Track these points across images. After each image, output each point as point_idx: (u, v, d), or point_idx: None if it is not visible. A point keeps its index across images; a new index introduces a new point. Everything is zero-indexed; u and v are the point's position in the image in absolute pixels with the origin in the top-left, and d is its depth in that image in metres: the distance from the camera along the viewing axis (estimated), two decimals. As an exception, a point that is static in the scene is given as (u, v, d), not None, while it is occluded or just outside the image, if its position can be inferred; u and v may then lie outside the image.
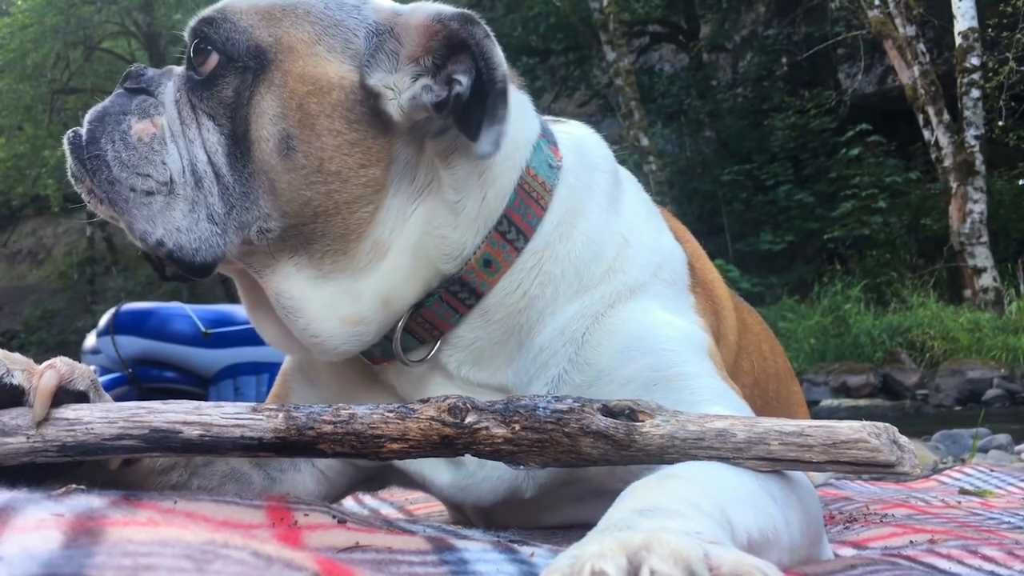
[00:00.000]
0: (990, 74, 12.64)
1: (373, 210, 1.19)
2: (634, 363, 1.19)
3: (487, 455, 0.97)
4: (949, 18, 12.55)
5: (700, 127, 18.82)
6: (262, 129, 1.16)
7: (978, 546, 1.17)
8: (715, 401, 1.15)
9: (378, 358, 1.28)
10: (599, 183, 1.33)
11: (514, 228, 1.22)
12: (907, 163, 14.72)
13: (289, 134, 1.15)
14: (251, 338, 5.29)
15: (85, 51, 21.30)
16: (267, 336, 1.33)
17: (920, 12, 13.03)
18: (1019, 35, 12.50)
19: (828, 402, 10.04)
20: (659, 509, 0.75)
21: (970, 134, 12.23)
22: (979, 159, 12.18)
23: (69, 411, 0.94)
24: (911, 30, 12.64)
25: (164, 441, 0.94)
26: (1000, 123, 12.71)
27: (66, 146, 1.24)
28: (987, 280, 12.14)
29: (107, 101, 1.25)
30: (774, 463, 0.94)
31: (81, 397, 0.98)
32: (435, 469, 1.28)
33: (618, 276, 1.26)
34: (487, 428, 0.96)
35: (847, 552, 1.23)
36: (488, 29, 1.16)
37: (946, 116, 12.41)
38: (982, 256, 12.18)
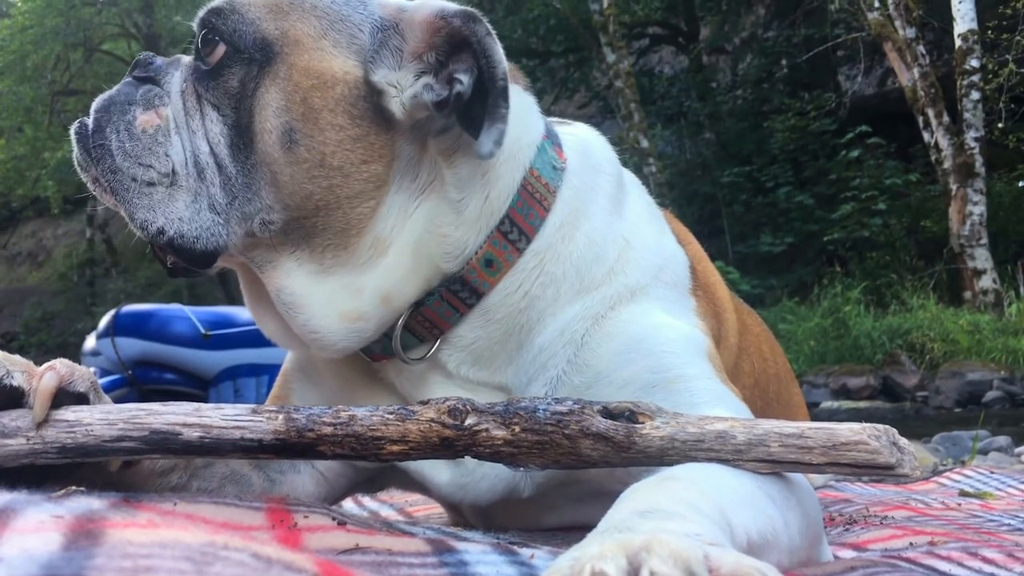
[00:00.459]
0: (990, 76, 12.65)
1: (375, 206, 1.19)
2: (634, 365, 1.19)
3: (487, 457, 0.97)
4: (949, 20, 12.56)
5: (700, 129, 18.83)
6: (265, 121, 1.16)
7: (978, 548, 1.17)
8: (715, 403, 1.15)
9: (378, 355, 1.28)
10: (602, 185, 1.33)
11: (516, 228, 1.23)
12: (907, 165, 14.73)
13: (292, 127, 1.16)
14: (251, 340, 5.29)
15: (85, 53, 21.32)
16: (267, 331, 1.33)
17: (920, 14, 13.05)
18: (1019, 37, 12.51)
19: (828, 404, 10.04)
20: (659, 511, 0.75)
21: (970, 136, 12.23)
22: (979, 161, 12.18)
23: (69, 413, 0.94)
24: (911, 32, 12.65)
25: (164, 443, 0.94)
26: (1000, 125, 12.71)
27: (73, 136, 1.25)
28: (987, 282, 12.14)
29: (114, 90, 1.26)
30: (774, 465, 0.94)
31: (81, 399, 0.98)
32: (434, 467, 1.28)
33: (619, 278, 1.26)
34: (487, 430, 0.96)
35: (847, 554, 1.23)
36: (490, 27, 1.16)
37: (946, 118, 12.42)
38: (982, 258, 12.18)
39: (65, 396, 0.96)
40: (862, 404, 9.96)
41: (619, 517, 0.74)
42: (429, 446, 0.96)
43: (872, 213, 13.89)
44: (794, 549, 0.93)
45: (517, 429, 0.95)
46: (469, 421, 0.96)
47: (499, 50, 1.15)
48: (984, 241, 12.18)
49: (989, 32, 12.70)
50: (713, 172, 17.28)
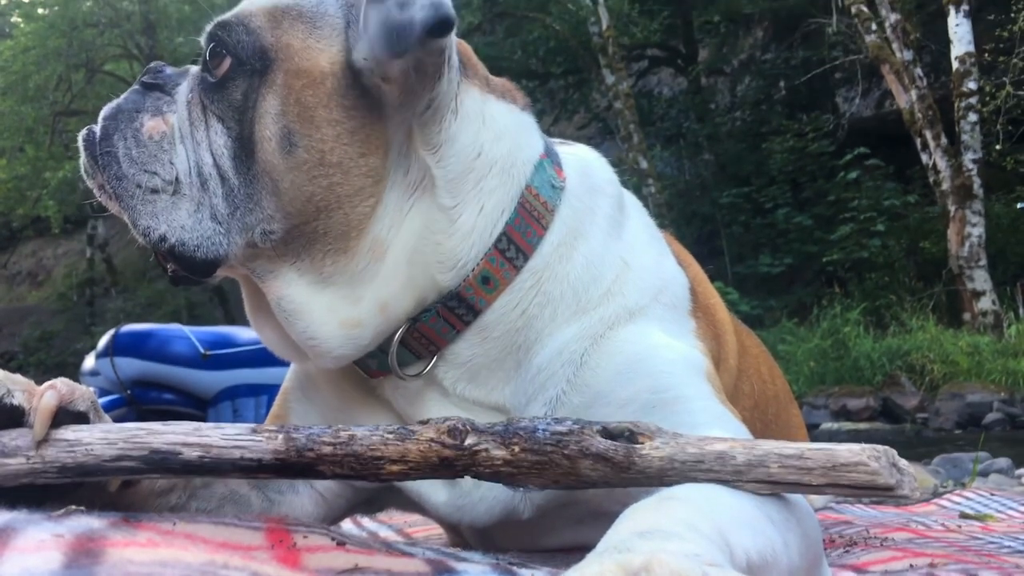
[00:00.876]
0: (987, 98, 12.71)
1: (373, 204, 1.20)
2: (633, 385, 1.19)
3: (487, 477, 0.97)
4: (946, 43, 12.64)
5: (699, 150, 18.89)
6: (265, 129, 1.18)
7: (978, 570, 1.16)
8: (714, 424, 1.15)
9: (375, 371, 1.29)
10: (602, 206, 1.34)
11: (514, 246, 1.23)
12: (905, 186, 14.77)
13: (290, 130, 1.17)
14: (250, 360, 5.29)
15: (87, 73, 21.42)
16: (266, 339, 1.34)
17: (917, 37, 13.14)
18: (1016, 60, 12.58)
19: (828, 425, 10.01)
20: (658, 531, 0.75)
21: (968, 158, 12.28)
22: (977, 183, 12.22)
23: (69, 432, 0.94)
24: (908, 55, 12.73)
25: (164, 462, 0.94)
26: (998, 147, 12.76)
27: (80, 142, 1.26)
28: (986, 303, 12.15)
29: (122, 98, 1.28)
30: (773, 486, 0.94)
31: (81, 418, 0.98)
32: (432, 488, 1.28)
33: (617, 299, 1.27)
34: (486, 450, 0.96)
35: (847, 576, 1.22)
36: None
37: (944, 140, 12.47)
38: (981, 279, 12.19)
39: (65, 415, 0.96)
40: (862, 426, 9.93)
41: (618, 538, 0.74)
42: (429, 466, 0.96)
43: (871, 234, 13.91)
44: (794, 570, 0.93)
45: (517, 449, 0.95)
46: (469, 441, 0.96)
47: None
48: (983, 262, 12.19)
49: (986, 55, 12.78)
50: (712, 193, 17.32)
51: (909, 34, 12.77)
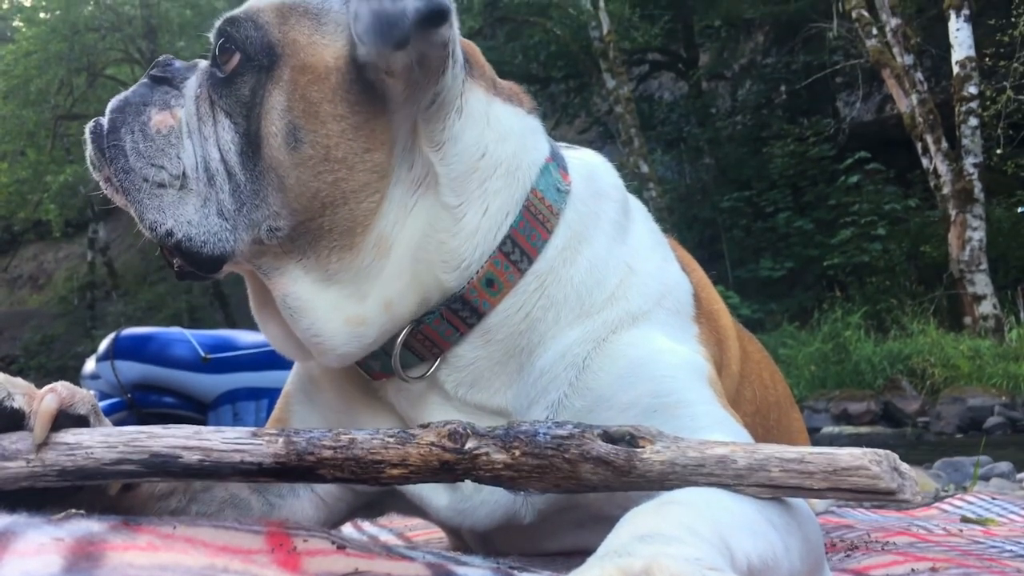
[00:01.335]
0: (988, 103, 12.72)
1: (378, 200, 1.20)
2: (635, 389, 1.19)
3: (487, 481, 0.97)
4: (946, 47, 12.65)
5: (700, 154, 18.91)
6: (271, 125, 1.18)
7: (980, 574, 1.16)
8: (715, 428, 1.15)
9: (377, 373, 1.28)
10: (607, 210, 1.34)
11: (518, 249, 1.23)
12: (906, 191, 14.77)
13: (296, 125, 1.17)
14: (251, 363, 5.29)
15: (89, 78, 21.46)
16: (270, 336, 1.34)
17: (918, 41, 13.15)
18: (1016, 64, 12.59)
19: (829, 429, 10.01)
20: (659, 535, 0.75)
21: (968, 162, 12.28)
22: (977, 187, 12.22)
23: (69, 435, 0.94)
24: (909, 59, 12.75)
25: (164, 466, 0.94)
26: (998, 151, 12.76)
27: (87, 135, 1.26)
28: (987, 307, 12.14)
29: (129, 91, 1.28)
30: (775, 490, 0.94)
31: (81, 421, 0.98)
32: (433, 492, 1.28)
33: (620, 303, 1.26)
34: (487, 454, 0.96)
35: (848, 580, 1.22)
36: None
37: (944, 144, 12.48)
38: (982, 283, 12.19)
39: (66, 418, 0.96)
40: (863, 429, 9.92)
41: (619, 542, 0.74)
42: (429, 470, 0.96)
43: (872, 238, 13.91)
44: (795, 574, 0.93)
45: (517, 453, 0.95)
46: (469, 445, 0.96)
47: None
48: (984, 267, 12.19)
49: (987, 59, 12.79)
50: (713, 197, 17.33)
51: (910, 38, 12.79)
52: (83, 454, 0.93)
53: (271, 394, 5.16)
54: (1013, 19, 12.67)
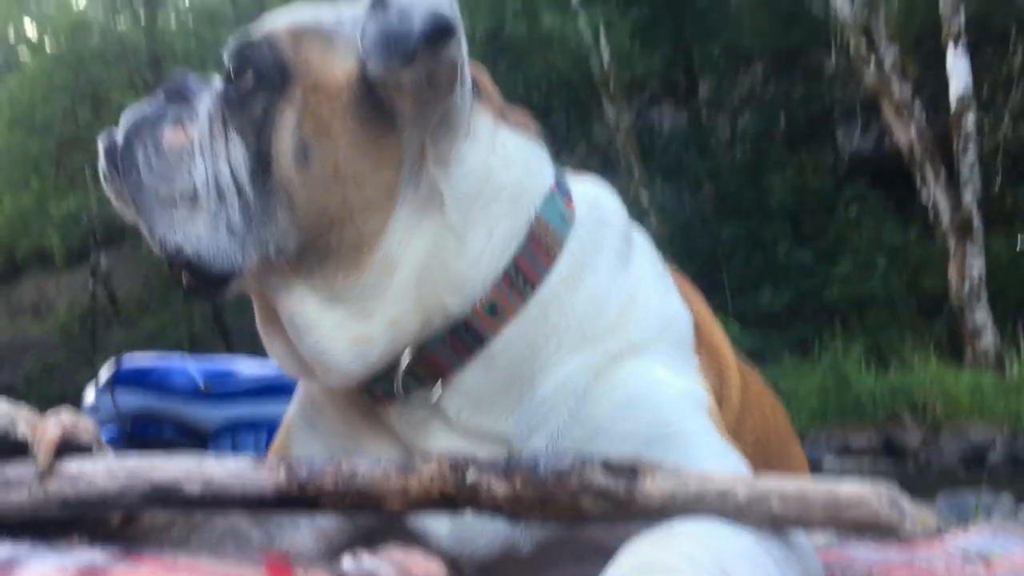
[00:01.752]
0: (986, 134, 12.78)
1: (385, 218, 1.21)
2: (634, 419, 1.20)
3: (488, 512, 0.97)
4: (945, 80, 12.73)
5: (699, 184, 18.96)
6: (281, 143, 1.20)
7: (981, 609, 1.16)
8: (715, 460, 1.15)
9: (380, 397, 1.29)
10: (610, 240, 1.35)
11: (522, 276, 1.24)
12: (905, 222, 14.80)
13: (305, 143, 1.19)
14: (251, 394, 5.28)
15: (93, 107, 21.58)
16: (274, 353, 1.35)
17: (916, 73, 13.24)
18: (1014, 96, 12.66)
19: (830, 463, 9.95)
20: (659, 565, 0.75)
21: (967, 194, 12.32)
22: (977, 219, 12.25)
23: (72, 464, 0.94)
24: (907, 91, 12.83)
25: (166, 496, 0.94)
26: (997, 182, 12.80)
27: (101, 148, 1.28)
28: (987, 340, 12.12)
29: (144, 107, 1.30)
30: (775, 523, 0.94)
31: (84, 450, 0.98)
32: (435, 519, 1.28)
33: (621, 333, 1.27)
34: (488, 485, 0.96)
35: (850, 614, 1.21)
36: None
37: (943, 176, 12.52)
38: (982, 316, 12.18)
39: (69, 447, 0.96)
40: (865, 463, 9.86)
41: (619, 572, 0.75)
42: (430, 501, 0.97)
43: (871, 270, 13.92)
44: (795, 608, 0.93)
45: (518, 485, 0.95)
46: (470, 476, 0.96)
47: None
48: (984, 299, 12.19)
49: (985, 91, 12.86)
50: (712, 227, 17.35)
51: (908, 70, 12.88)
52: (85, 483, 0.93)
53: (271, 425, 5.14)
54: (1010, 52, 12.76)
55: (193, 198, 1.22)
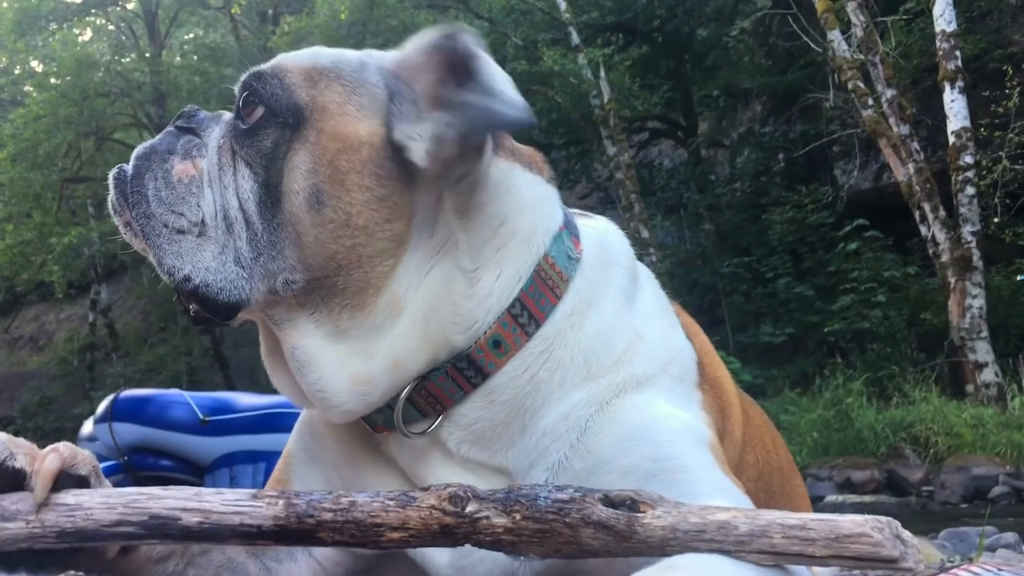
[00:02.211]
0: (984, 172, 12.85)
1: (393, 264, 1.22)
2: (635, 452, 1.19)
3: (487, 545, 0.97)
4: (942, 118, 12.82)
5: (699, 220, 19.04)
6: (293, 183, 1.20)
7: (986, 646, 1.14)
8: (716, 494, 1.15)
9: (380, 427, 1.29)
10: (616, 278, 1.36)
11: (527, 312, 1.24)
12: (905, 258, 14.84)
13: (320, 189, 1.19)
14: (249, 426, 5.25)
15: (97, 142, 21.73)
16: (277, 383, 1.35)
17: (913, 112, 13.34)
18: (1011, 135, 12.75)
19: (832, 498, 9.87)
20: (660, 599, 0.74)
21: (966, 230, 12.35)
22: (976, 255, 12.27)
23: (69, 496, 0.94)
24: (905, 129, 12.91)
25: (163, 528, 0.94)
26: (996, 220, 12.85)
27: (111, 180, 1.29)
28: (989, 375, 12.09)
29: (156, 139, 1.32)
30: (776, 557, 0.94)
31: (82, 482, 0.98)
32: (435, 549, 1.27)
33: (626, 368, 1.27)
34: (488, 517, 0.95)
35: (853, 651, 1.20)
36: (472, 32, 1.19)
37: (942, 212, 12.56)
38: (983, 351, 12.15)
39: (67, 479, 0.96)
40: (867, 498, 9.79)
41: (621, 607, 0.74)
42: (429, 533, 0.96)
43: (872, 305, 13.92)
44: (797, 643, 0.92)
45: (518, 517, 0.95)
46: (470, 508, 0.96)
47: (464, 40, 1.17)
48: (984, 334, 12.17)
49: (982, 130, 12.95)
50: (713, 262, 17.40)
51: (905, 109, 12.97)
52: (83, 515, 0.93)
53: (269, 458, 5.11)
54: (1007, 91, 12.88)
55: (201, 228, 1.23)
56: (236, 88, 1.29)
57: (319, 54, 1.29)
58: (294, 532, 0.96)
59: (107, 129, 21.97)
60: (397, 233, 1.22)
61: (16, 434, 1.04)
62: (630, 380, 1.26)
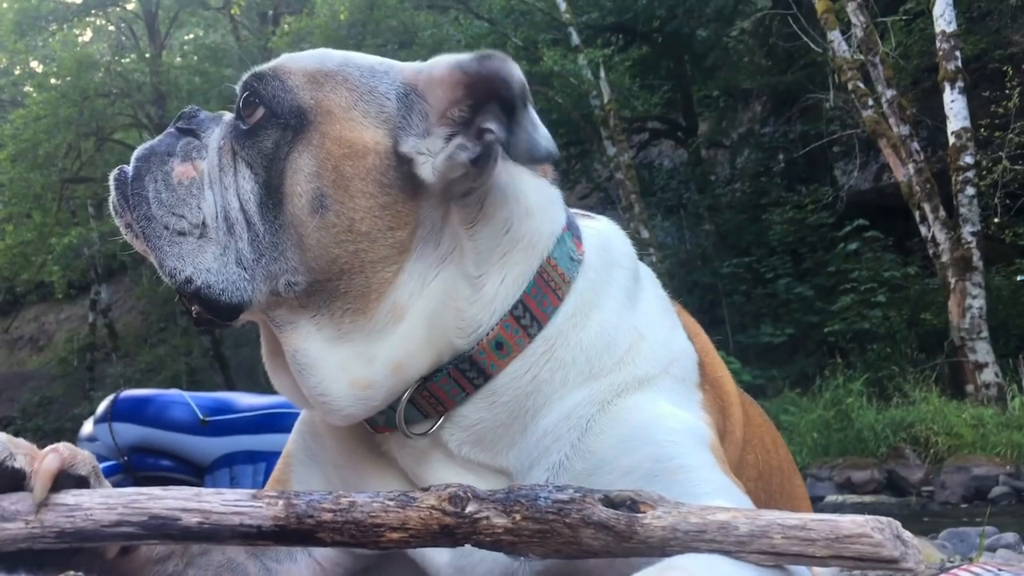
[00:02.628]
0: (984, 172, 12.85)
1: (396, 271, 1.21)
2: (636, 453, 1.19)
3: (487, 545, 0.96)
4: (942, 118, 12.82)
5: (699, 220, 19.04)
6: (296, 185, 1.20)
7: (987, 646, 1.14)
8: (716, 494, 1.14)
9: (381, 427, 1.29)
10: (618, 279, 1.36)
11: (529, 314, 1.24)
12: (905, 258, 14.84)
13: (323, 193, 1.19)
14: (249, 426, 5.25)
15: (97, 142, 21.73)
16: (278, 385, 1.35)
17: (913, 112, 13.34)
18: (1011, 135, 12.75)
19: (833, 498, 9.88)
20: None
21: (966, 230, 12.35)
22: (976, 255, 12.27)
23: (69, 496, 0.94)
24: (905, 129, 12.91)
25: (163, 528, 0.94)
26: (996, 220, 12.85)
27: (112, 182, 1.29)
28: (989, 375, 12.08)
29: (155, 141, 1.32)
30: (776, 557, 0.94)
31: (82, 482, 0.98)
32: (434, 549, 1.26)
33: (628, 368, 1.27)
34: (488, 518, 0.95)
35: (853, 651, 1.20)
36: (503, 56, 1.16)
37: (942, 213, 12.56)
38: (983, 351, 12.15)
39: (66, 479, 0.96)
40: (867, 498, 9.79)
41: (621, 607, 0.74)
42: (429, 534, 0.96)
43: (872, 305, 13.92)
44: (798, 643, 0.92)
45: (518, 517, 0.95)
46: (470, 509, 0.96)
47: (516, 73, 1.15)
48: (984, 334, 12.17)
49: (982, 130, 12.95)
50: (713, 263, 17.40)
51: (905, 109, 12.97)
52: (82, 515, 0.93)
53: (269, 458, 5.10)
54: (1007, 91, 12.87)
55: (202, 230, 1.23)
56: (237, 88, 1.29)
57: (326, 56, 1.29)
58: (294, 532, 0.96)
59: (107, 129, 21.97)
60: (400, 241, 1.21)
61: (16, 434, 1.04)
62: (632, 380, 1.26)
